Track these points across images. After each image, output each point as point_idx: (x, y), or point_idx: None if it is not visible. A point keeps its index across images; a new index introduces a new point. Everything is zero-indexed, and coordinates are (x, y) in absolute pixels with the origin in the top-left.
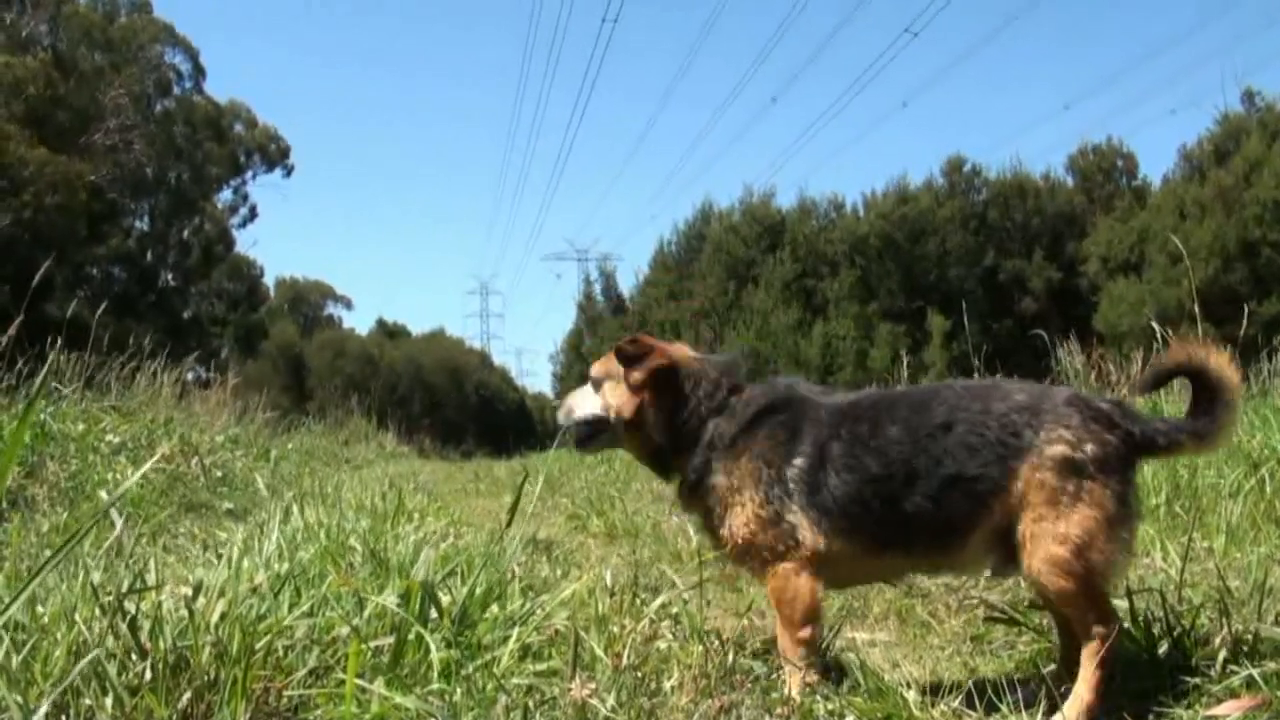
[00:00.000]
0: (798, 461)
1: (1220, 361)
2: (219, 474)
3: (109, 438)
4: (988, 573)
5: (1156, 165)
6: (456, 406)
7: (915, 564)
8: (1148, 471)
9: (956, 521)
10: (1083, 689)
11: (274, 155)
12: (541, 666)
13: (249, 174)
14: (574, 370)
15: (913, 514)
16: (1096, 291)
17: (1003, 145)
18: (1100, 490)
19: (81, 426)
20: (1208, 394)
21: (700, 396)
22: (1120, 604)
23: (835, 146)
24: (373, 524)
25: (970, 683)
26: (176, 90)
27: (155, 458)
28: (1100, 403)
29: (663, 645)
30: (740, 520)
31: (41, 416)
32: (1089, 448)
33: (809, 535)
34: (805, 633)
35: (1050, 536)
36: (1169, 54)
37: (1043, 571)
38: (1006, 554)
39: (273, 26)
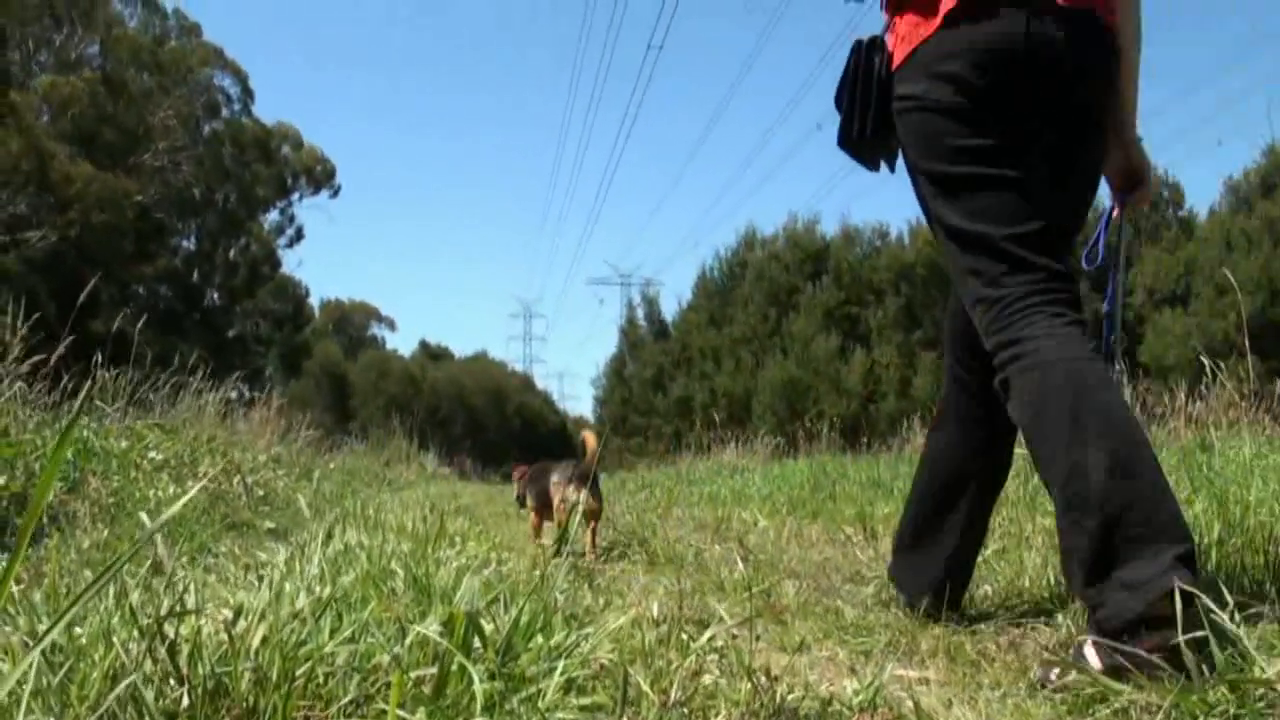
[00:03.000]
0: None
1: (587, 436)
2: (261, 493)
3: (152, 455)
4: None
5: (1203, 196)
6: (498, 429)
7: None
8: (1197, 508)
9: (548, 507)
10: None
11: (320, 177)
12: (586, 701)
13: (295, 195)
14: (615, 395)
15: (544, 504)
16: (1143, 323)
17: None
18: (559, 491)
19: (124, 443)
20: (583, 451)
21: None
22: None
23: (880, 174)
24: (414, 548)
25: None
26: (225, 113)
27: (201, 482)
28: (566, 469)
29: (709, 681)
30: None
31: (84, 433)
32: (555, 478)
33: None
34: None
35: (556, 500)
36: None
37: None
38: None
39: (320, 50)
